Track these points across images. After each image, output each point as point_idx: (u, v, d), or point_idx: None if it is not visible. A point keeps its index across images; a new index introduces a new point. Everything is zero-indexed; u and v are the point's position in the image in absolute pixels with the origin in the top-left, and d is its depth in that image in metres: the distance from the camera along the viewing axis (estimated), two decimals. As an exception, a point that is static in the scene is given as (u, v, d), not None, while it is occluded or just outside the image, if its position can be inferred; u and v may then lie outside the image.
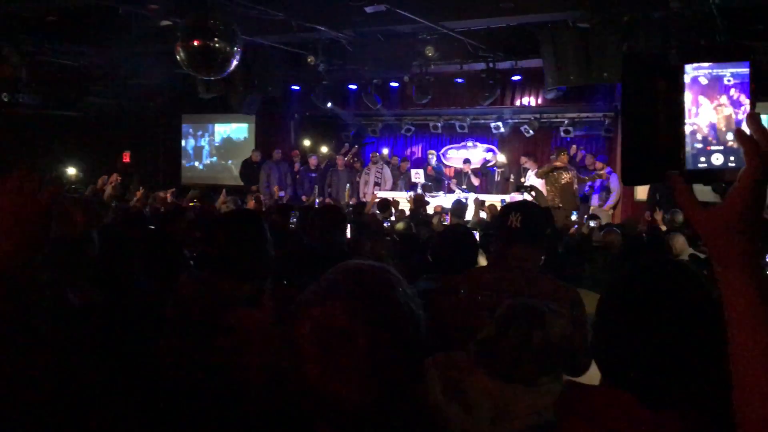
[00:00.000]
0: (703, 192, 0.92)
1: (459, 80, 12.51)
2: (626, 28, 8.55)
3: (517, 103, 12.62)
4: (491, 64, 11.44)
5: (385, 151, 15.04)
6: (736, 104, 0.88)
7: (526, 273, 2.59)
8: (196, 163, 16.92)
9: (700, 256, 5.08)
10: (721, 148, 0.88)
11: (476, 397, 1.81)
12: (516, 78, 11.92)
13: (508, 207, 2.77)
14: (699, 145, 0.89)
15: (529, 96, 12.40)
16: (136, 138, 16.33)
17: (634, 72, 0.92)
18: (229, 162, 16.36)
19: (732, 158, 0.88)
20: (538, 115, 13.73)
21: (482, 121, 14.50)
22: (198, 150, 16.92)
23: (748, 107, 0.88)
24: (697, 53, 0.90)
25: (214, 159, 16.75)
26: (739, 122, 0.88)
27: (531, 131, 13.93)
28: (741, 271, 0.85)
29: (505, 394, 1.80)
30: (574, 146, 12.90)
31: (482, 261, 3.95)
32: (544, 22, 9.42)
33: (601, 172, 11.42)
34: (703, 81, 0.89)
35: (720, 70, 0.89)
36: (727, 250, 0.86)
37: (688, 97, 0.89)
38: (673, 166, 0.90)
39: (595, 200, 11.29)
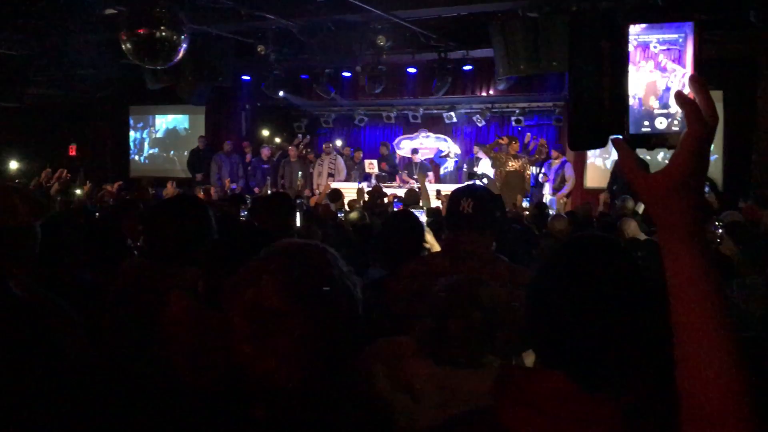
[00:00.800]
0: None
1: (411, 70, 12.52)
2: (568, 30, 8.65)
3: (469, 93, 12.69)
4: (443, 54, 11.47)
5: (339, 142, 14.97)
6: (663, 71, 0.87)
7: (481, 258, 2.59)
8: (138, 157, 16.59)
9: (639, 239, 5.17)
10: (665, 111, 0.87)
11: (422, 384, 1.80)
12: (467, 68, 11.98)
13: (459, 193, 2.74)
14: (643, 109, 0.88)
15: (481, 86, 12.49)
16: (82, 130, 15.92)
17: (580, 33, 0.91)
18: (171, 153, 16.11)
19: (675, 122, 0.87)
20: (489, 105, 13.85)
21: (435, 112, 14.57)
22: (141, 142, 16.61)
23: (690, 70, 0.87)
24: (641, 13, 0.89)
25: (156, 150, 16.45)
26: (682, 87, 0.87)
27: (483, 121, 14.07)
28: (683, 235, 0.85)
29: (451, 380, 1.79)
30: (529, 134, 13.06)
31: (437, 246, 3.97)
32: (495, 11, 9.49)
33: (556, 160, 11.57)
34: (653, 47, 0.88)
35: (666, 35, 0.88)
36: (669, 215, 0.85)
37: (632, 60, 0.88)
38: (618, 131, 0.89)
39: (548, 189, 11.45)
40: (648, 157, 1.14)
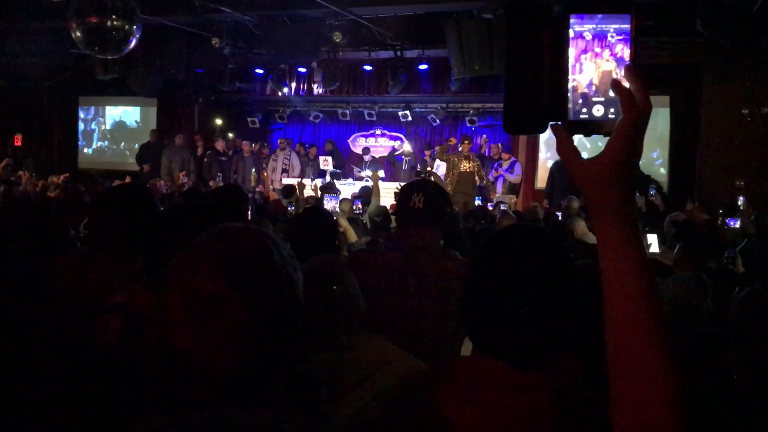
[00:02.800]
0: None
1: (367, 68, 12.52)
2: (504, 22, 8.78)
3: (424, 92, 12.75)
4: (399, 53, 11.50)
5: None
6: (620, 61, 0.90)
7: (431, 252, 2.61)
8: (87, 149, 16.20)
9: (587, 241, 5.27)
10: (603, 99, 0.90)
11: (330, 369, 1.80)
12: (423, 67, 12.04)
13: (409, 188, 2.74)
14: (581, 97, 0.90)
15: (436, 85, 12.55)
16: (28, 120, 15.46)
17: (519, 21, 0.92)
18: (122, 145, 15.79)
19: (612, 110, 0.90)
20: (444, 105, 13.94)
21: (390, 110, 14.60)
22: (90, 134, 16.22)
23: (628, 59, 0.89)
24: (580, 3, 0.90)
25: (105, 143, 16.10)
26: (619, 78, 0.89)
27: (438, 120, 14.16)
28: (614, 218, 0.88)
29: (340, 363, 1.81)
30: (484, 136, 13.20)
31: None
32: (450, 12, 9.57)
33: (506, 162, 11.74)
34: (588, 36, 0.90)
35: (604, 26, 0.90)
36: (603, 198, 0.88)
37: (572, 50, 0.90)
38: (557, 117, 0.91)
39: (498, 188, 11.61)
40: (588, 145, 1.18)
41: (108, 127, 16.07)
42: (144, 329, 1.85)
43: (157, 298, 1.90)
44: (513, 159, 11.88)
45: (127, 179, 10.84)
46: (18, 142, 15.23)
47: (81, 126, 16.17)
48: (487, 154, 12.50)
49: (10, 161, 12.56)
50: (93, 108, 16.11)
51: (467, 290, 1.22)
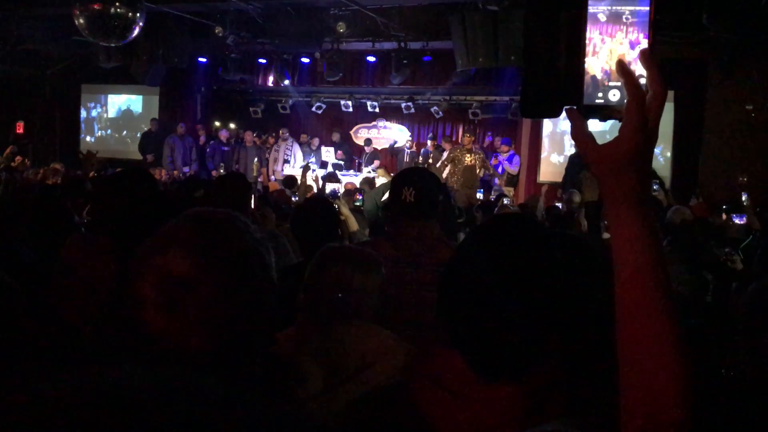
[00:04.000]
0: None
1: (371, 59, 12.49)
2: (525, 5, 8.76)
3: (428, 84, 12.73)
4: (402, 44, 11.47)
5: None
6: (633, 43, 0.88)
7: (425, 242, 2.60)
8: (88, 137, 16.18)
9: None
10: (619, 84, 0.88)
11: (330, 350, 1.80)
12: (426, 58, 12.01)
13: (400, 181, 2.67)
14: (597, 81, 0.89)
15: (439, 77, 12.52)
16: (31, 108, 15.44)
17: (538, 2, 0.91)
18: (123, 133, 15.78)
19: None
20: (447, 97, 13.92)
21: (393, 101, 14.57)
22: (92, 122, 16.20)
23: (645, 44, 0.87)
24: None
25: (108, 131, 16.08)
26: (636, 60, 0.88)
27: (441, 112, 14.14)
28: (630, 204, 0.86)
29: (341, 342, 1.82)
30: (468, 135, 13.21)
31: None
32: (455, 3, 9.53)
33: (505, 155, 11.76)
34: (602, 18, 0.88)
35: (620, 7, 0.88)
36: (618, 185, 0.86)
37: (588, 32, 0.88)
38: (572, 101, 0.89)
39: (496, 181, 11.64)
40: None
41: (110, 115, 16.04)
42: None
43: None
44: (512, 152, 11.88)
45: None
46: (20, 130, 15.22)
47: (83, 114, 16.15)
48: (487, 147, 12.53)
49: (14, 148, 12.56)
50: (95, 96, 16.08)
51: (441, 284, 1.10)
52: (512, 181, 11.72)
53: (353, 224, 4.04)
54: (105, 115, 16.10)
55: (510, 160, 11.68)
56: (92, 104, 16.14)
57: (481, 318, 1.01)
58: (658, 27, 0.90)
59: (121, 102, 15.92)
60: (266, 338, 1.08)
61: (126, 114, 15.94)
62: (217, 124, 14.00)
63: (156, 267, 0.99)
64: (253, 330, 1.03)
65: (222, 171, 11.95)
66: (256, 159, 12.92)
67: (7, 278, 1.91)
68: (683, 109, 10.57)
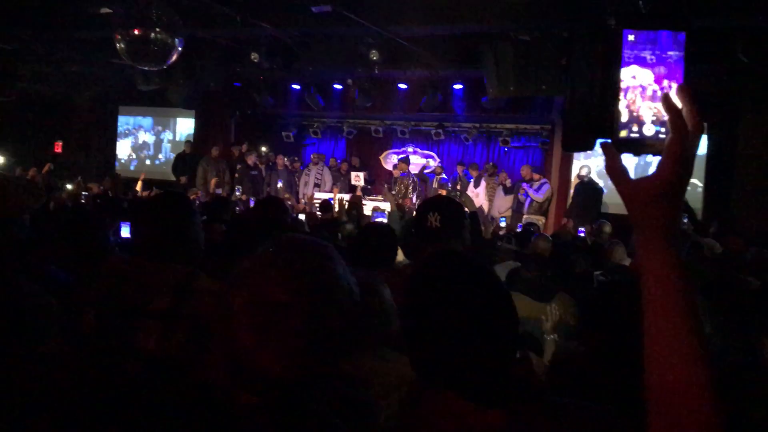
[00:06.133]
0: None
1: (402, 86, 12.60)
2: (565, 42, 8.79)
3: (458, 111, 12.79)
4: (433, 72, 11.56)
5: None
6: (671, 79, 0.89)
7: None
8: (124, 157, 16.48)
9: (625, 264, 5.24)
10: (653, 118, 0.89)
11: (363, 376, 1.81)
12: (457, 86, 12.08)
13: (425, 207, 2.71)
14: (632, 114, 0.89)
15: (470, 105, 12.58)
16: (69, 128, 15.82)
17: (580, 35, 0.93)
18: (158, 155, 16.06)
19: (663, 129, 0.89)
20: (477, 124, 13.95)
21: (423, 128, 14.65)
22: (127, 143, 16.51)
23: (680, 80, 0.89)
24: (635, 18, 0.90)
25: (143, 152, 16.36)
26: (669, 95, 0.88)
27: (470, 140, 14.18)
28: (661, 237, 0.87)
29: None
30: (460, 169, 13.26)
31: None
32: (487, 32, 9.59)
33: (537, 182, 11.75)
34: (640, 52, 0.89)
35: (658, 43, 0.89)
36: (650, 218, 0.88)
37: (625, 65, 0.89)
38: (606, 135, 0.90)
39: (526, 207, 11.61)
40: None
41: (146, 136, 16.34)
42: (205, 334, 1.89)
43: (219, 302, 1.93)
44: (543, 180, 11.84)
45: (141, 178, 11.03)
46: (58, 149, 15.60)
47: (119, 135, 16.48)
48: (517, 177, 12.51)
49: (51, 166, 12.87)
50: (132, 118, 16.42)
51: (404, 320, 1.21)
52: (542, 209, 11.66)
53: (399, 254, 4.06)
54: (141, 136, 16.40)
55: (538, 188, 11.64)
56: (129, 125, 16.47)
57: (446, 344, 1.11)
58: (691, 59, 0.92)
59: (157, 124, 16.22)
60: (336, 368, 1.10)
61: (161, 136, 16.24)
62: (244, 148, 14.19)
63: (252, 287, 1.02)
64: (336, 356, 1.06)
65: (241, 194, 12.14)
66: (280, 183, 13.08)
67: (46, 296, 1.97)
68: (716, 140, 10.47)
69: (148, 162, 16.07)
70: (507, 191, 12.10)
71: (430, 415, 1.12)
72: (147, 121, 16.14)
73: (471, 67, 10.85)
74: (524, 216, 11.20)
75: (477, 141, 14.40)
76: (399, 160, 13.42)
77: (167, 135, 15.88)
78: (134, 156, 16.39)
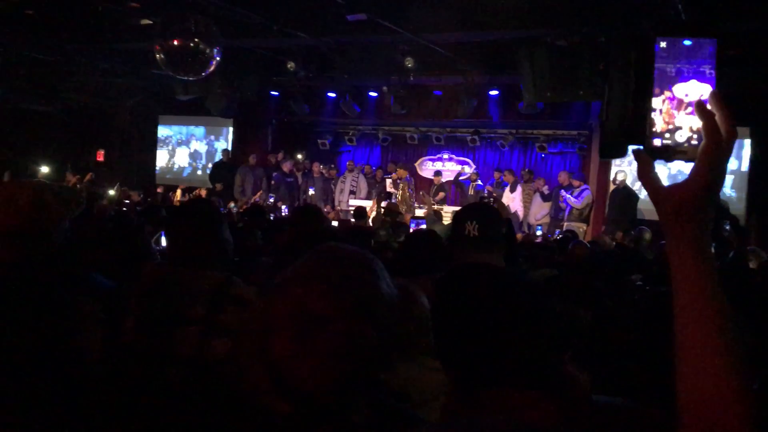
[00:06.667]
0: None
1: (437, 92, 12.59)
2: (603, 47, 8.69)
3: (494, 117, 12.71)
4: (469, 78, 11.53)
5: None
6: (704, 85, 0.89)
7: None
8: (164, 165, 16.76)
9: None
10: (685, 125, 0.89)
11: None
12: (493, 92, 12.03)
13: (463, 215, 2.66)
14: (664, 121, 0.90)
15: (506, 110, 12.50)
16: (111, 137, 16.17)
17: (615, 42, 0.93)
18: (197, 163, 16.30)
19: (695, 136, 0.89)
20: (514, 130, 13.87)
21: (458, 134, 14.61)
22: (167, 151, 16.79)
23: (712, 86, 0.89)
24: (667, 26, 0.90)
25: (182, 160, 16.62)
26: (704, 101, 0.88)
27: (506, 146, 14.09)
28: (693, 245, 0.87)
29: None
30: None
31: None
32: (523, 38, 9.54)
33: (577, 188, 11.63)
34: (673, 59, 0.90)
35: (690, 50, 0.89)
36: (683, 225, 0.87)
37: (656, 73, 0.90)
38: (638, 141, 0.91)
39: (566, 215, 11.49)
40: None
41: (185, 145, 16.60)
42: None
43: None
44: (584, 186, 11.69)
45: (179, 189, 11.18)
46: (100, 158, 15.97)
47: (159, 144, 16.78)
48: (555, 183, 12.37)
49: (93, 175, 13.19)
50: (171, 126, 16.71)
51: (434, 327, 1.23)
52: (582, 216, 11.50)
53: None
54: (180, 145, 16.67)
55: (578, 195, 11.49)
56: (168, 134, 16.76)
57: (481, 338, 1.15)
58: (735, 63, 0.91)
59: (196, 132, 16.47)
60: (374, 383, 1.09)
61: (199, 144, 16.48)
62: (280, 156, 14.33)
63: (293, 297, 1.02)
64: (374, 370, 1.05)
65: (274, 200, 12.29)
66: (312, 190, 13.17)
67: (90, 303, 2.01)
68: (760, 145, 10.22)
69: (199, 172, 16.25)
70: (545, 198, 11.97)
71: (485, 408, 1.12)
72: (200, 131, 16.30)
73: (507, 72, 10.80)
74: (564, 223, 11.07)
75: (513, 147, 14.30)
76: (397, 166, 13.55)
77: (220, 144, 16.04)
78: (186, 165, 16.60)
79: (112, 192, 9.30)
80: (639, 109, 0.90)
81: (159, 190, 13.24)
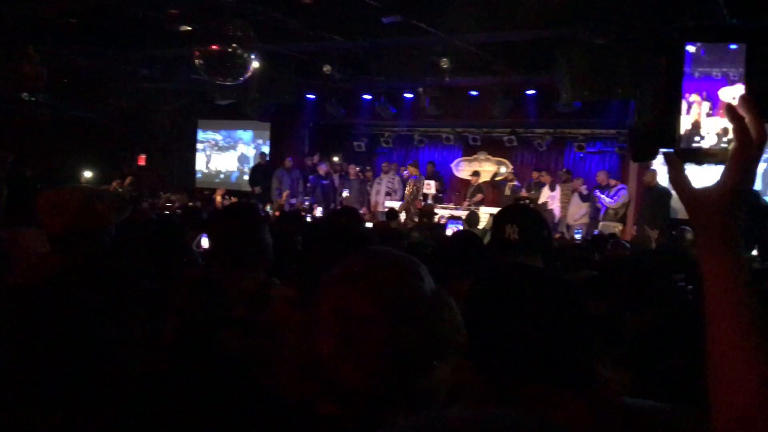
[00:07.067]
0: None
1: (473, 93, 12.54)
2: (642, 44, 8.56)
3: (530, 117, 12.59)
4: (505, 78, 11.46)
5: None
6: (733, 89, 0.90)
7: None
8: (203, 168, 16.99)
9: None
10: (715, 128, 0.90)
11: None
12: (530, 92, 11.92)
13: (502, 218, 2.60)
14: (693, 124, 0.91)
15: (543, 110, 12.36)
16: (152, 141, 16.49)
17: (646, 49, 0.95)
18: (235, 166, 16.49)
19: (724, 139, 0.90)
20: (551, 130, 13.73)
21: (494, 135, 14.52)
22: (206, 155, 17.01)
23: (742, 89, 0.89)
24: (696, 31, 0.91)
25: (221, 164, 16.82)
26: (734, 104, 0.89)
27: (544, 146, 13.94)
28: (724, 245, 0.88)
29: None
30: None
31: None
32: (559, 37, 9.45)
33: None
34: (702, 64, 0.91)
35: (720, 54, 0.90)
36: (714, 227, 0.89)
37: (687, 75, 0.91)
38: (667, 144, 0.92)
39: (601, 215, 11.34)
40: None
41: (246, 149, 16.78)
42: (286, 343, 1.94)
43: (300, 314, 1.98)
44: (620, 186, 11.53)
45: (219, 192, 11.30)
46: (142, 162, 16.29)
47: (199, 147, 17.04)
48: (593, 183, 12.21)
49: (132, 179, 13.46)
50: (210, 131, 16.95)
51: (471, 327, 1.24)
52: (617, 216, 11.33)
53: None
54: (218, 149, 16.89)
55: (614, 194, 11.32)
56: (207, 138, 17.00)
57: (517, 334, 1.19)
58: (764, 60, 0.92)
59: (233, 136, 16.67)
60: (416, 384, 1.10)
61: (237, 148, 16.68)
62: (316, 159, 14.42)
63: (337, 297, 1.04)
64: (415, 371, 1.06)
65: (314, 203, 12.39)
66: (346, 192, 13.24)
67: (133, 305, 2.06)
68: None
69: (246, 176, 16.42)
70: (583, 198, 11.81)
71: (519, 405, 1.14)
72: (247, 135, 16.45)
73: (543, 72, 10.71)
74: (600, 223, 10.92)
75: (551, 147, 14.14)
76: (408, 163, 13.65)
77: (267, 148, 16.17)
78: (234, 169, 16.80)
79: (155, 198, 9.50)
80: (668, 112, 0.91)
81: (206, 193, 13.45)
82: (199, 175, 17.01)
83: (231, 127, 16.50)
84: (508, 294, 1.21)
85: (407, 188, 12.83)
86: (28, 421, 1.50)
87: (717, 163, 0.90)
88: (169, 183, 15.43)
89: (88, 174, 13.99)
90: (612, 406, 1.12)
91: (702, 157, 0.91)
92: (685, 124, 0.91)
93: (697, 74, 0.91)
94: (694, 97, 0.91)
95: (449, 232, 7.77)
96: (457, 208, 12.12)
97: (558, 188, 12.33)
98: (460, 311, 2.12)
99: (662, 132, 0.92)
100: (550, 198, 12.16)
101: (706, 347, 0.89)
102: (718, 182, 0.89)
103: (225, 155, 16.93)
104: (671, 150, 0.92)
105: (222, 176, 16.83)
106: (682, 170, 0.92)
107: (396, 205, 12.06)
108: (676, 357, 2.10)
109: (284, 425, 1.05)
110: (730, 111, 0.88)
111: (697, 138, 0.91)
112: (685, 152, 0.91)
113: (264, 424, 1.09)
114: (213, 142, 17.00)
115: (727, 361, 0.86)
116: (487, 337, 1.21)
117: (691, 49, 0.91)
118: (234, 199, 11.65)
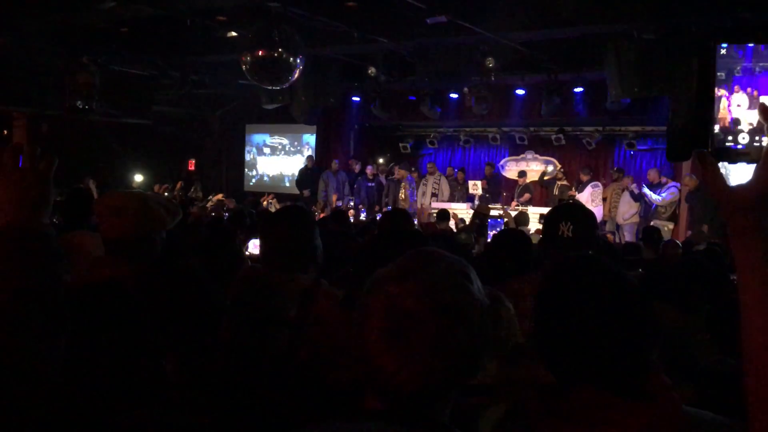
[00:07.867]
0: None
1: (519, 91, 12.42)
2: (693, 38, 8.36)
3: (579, 115, 12.38)
4: (552, 76, 11.32)
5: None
6: (765, 88, 0.90)
7: None
8: (252, 172, 17.22)
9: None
10: (748, 127, 0.91)
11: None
12: (578, 90, 11.74)
13: (556, 216, 2.68)
14: (727, 124, 0.92)
15: (591, 108, 12.14)
16: (201, 146, 16.82)
17: (678, 50, 0.95)
18: (282, 169, 16.67)
19: (757, 138, 0.90)
20: (600, 128, 13.49)
21: (542, 133, 14.34)
22: (254, 159, 17.24)
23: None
24: (729, 32, 0.91)
25: (269, 167, 17.02)
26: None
27: (593, 144, 13.68)
28: (756, 244, 0.89)
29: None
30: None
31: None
32: (608, 33, 9.29)
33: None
34: (735, 64, 0.91)
35: (752, 54, 0.90)
36: (745, 224, 0.90)
37: (720, 77, 0.91)
38: (701, 144, 0.93)
39: (652, 213, 11.10)
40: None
41: (272, 152, 17.02)
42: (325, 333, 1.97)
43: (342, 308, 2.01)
44: (671, 183, 11.27)
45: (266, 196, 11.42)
46: (192, 167, 16.64)
47: (247, 151, 17.30)
48: (645, 181, 11.97)
49: (182, 183, 13.75)
50: (258, 134, 17.19)
51: (540, 323, 1.25)
52: (667, 214, 11.07)
53: None
54: (267, 152, 17.11)
55: (663, 191, 11.06)
56: (255, 142, 17.25)
57: (595, 346, 1.17)
58: None
59: (281, 140, 16.87)
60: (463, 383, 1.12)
61: (284, 151, 16.88)
62: (357, 167, 14.50)
63: (389, 295, 1.06)
64: (462, 372, 1.08)
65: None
66: (389, 192, 13.29)
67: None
68: None
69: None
70: (634, 197, 11.55)
71: (572, 412, 1.13)
72: (313, 139, 16.53)
73: (592, 69, 10.54)
74: (651, 222, 10.69)
75: (600, 145, 13.86)
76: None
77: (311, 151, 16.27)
78: (288, 174, 16.91)
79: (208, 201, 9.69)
80: (702, 112, 0.92)
81: (251, 199, 13.62)
82: (253, 181, 17.20)
83: (278, 132, 16.70)
84: (580, 287, 1.21)
85: (401, 192, 12.81)
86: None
87: (750, 161, 0.91)
88: (216, 186, 15.71)
89: (139, 178, 14.36)
90: (671, 416, 1.11)
91: (735, 155, 0.92)
92: (719, 122, 0.91)
93: (758, 69, 0.90)
94: (738, 97, 0.90)
95: (492, 233, 7.71)
96: (504, 208, 12.01)
97: (587, 189, 12.09)
98: (515, 308, 2.12)
99: (696, 131, 0.93)
100: (592, 197, 11.94)
101: (741, 340, 0.90)
102: (750, 180, 0.89)
103: (290, 159, 16.99)
104: (705, 149, 0.93)
105: (268, 179, 17.02)
106: (717, 169, 0.93)
107: (443, 206, 12.02)
108: (734, 357, 2.05)
109: (331, 420, 1.07)
110: (763, 110, 0.89)
111: (730, 137, 0.92)
112: (719, 151, 0.92)
113: (312, 419, 1.11)
114: (276, 146, 17.11)
115: (762, 351, 0.87)
116: (553, 329, 1.22)
117: (722, 50, 0.91)
118: (274, 202, 11.81)
